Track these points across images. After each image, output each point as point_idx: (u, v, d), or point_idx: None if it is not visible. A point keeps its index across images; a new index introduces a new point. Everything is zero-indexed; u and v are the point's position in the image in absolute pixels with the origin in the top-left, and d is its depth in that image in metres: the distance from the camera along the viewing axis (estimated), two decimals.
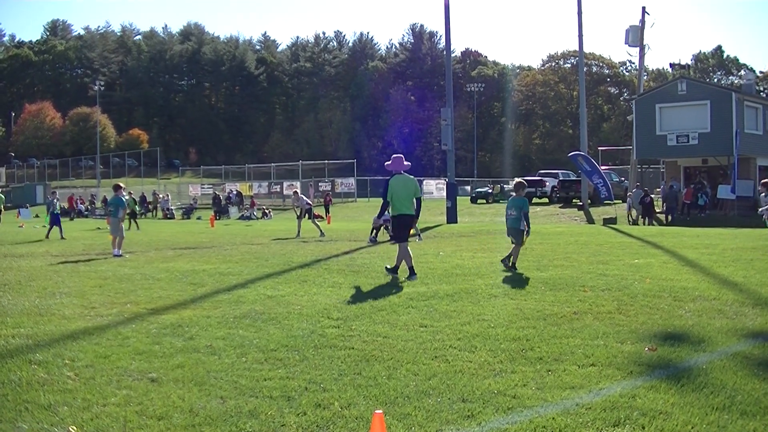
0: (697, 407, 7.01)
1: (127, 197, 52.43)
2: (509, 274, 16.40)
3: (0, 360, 8.91)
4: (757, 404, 7.09)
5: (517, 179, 19.17)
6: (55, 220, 29.20)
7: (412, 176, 17.18)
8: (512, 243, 17.40)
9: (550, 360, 8.77)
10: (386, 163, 17.12)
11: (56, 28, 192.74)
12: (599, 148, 75.56)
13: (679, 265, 17.93)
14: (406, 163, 17.10)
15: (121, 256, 22.42)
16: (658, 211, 50.08)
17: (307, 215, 32.69)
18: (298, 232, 31.34)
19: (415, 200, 16.67)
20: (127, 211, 50.17)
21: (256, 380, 7.97)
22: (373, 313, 11.83)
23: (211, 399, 7.36)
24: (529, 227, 17.28)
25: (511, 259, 17.21)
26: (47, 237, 30.11)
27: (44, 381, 7.99)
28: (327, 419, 6.75)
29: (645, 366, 8.51)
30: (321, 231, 30.98)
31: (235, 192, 76.71)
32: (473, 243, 24.95)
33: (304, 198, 32.56)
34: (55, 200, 31.98)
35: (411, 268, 16.13)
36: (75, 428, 6.54)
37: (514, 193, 18.07)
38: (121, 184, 25.68)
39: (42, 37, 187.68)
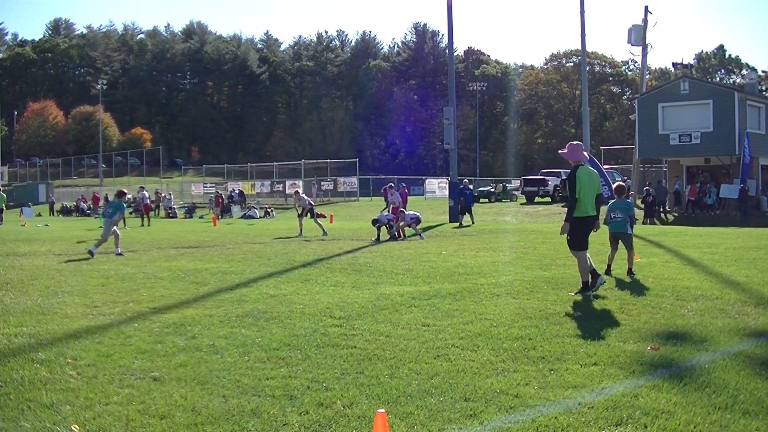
0: (699, 407, 7.01)
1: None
2: (509, 274, 16.39)
3: (2, 359, 8.91)
4: (760, 403, 7.10)
5: (617, 182, 18.65)
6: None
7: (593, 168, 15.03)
8: (612, 248, 16.67)
9: (553, 359, 8.77)
10: (561, 151, 14.46)
11: (59, 27, 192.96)
12: (602, 148, 75.62)
13: (681, 264, 17.95)
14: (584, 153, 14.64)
15: (121, 255, 22.49)
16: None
17: (309, 214, 32.61)
18: (300, 231, 31.29)
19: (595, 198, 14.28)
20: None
21: (259, 379, 7.97)
22: (375, 312, 11.83)
23: (214, 398, 7.36)
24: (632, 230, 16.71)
25: (627, 265, 16.28)
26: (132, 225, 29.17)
27: (47, 380, 7.99)
28: (329, 418, 6.75)
29: (647, 365, 8.51)
30: (323, 230, 30.96)
31: (237, 191, 76.70)
32: (476, 242, 24.96)
33: (306, 197, 32.38)
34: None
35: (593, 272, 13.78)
36: (77, 427, 6.54)
37: (616, 196, 16.88)
38: (125, 191, 25.86)
39: (44, 36, 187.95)
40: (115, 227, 23.97)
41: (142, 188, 57.41)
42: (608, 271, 16.00)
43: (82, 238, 30.72)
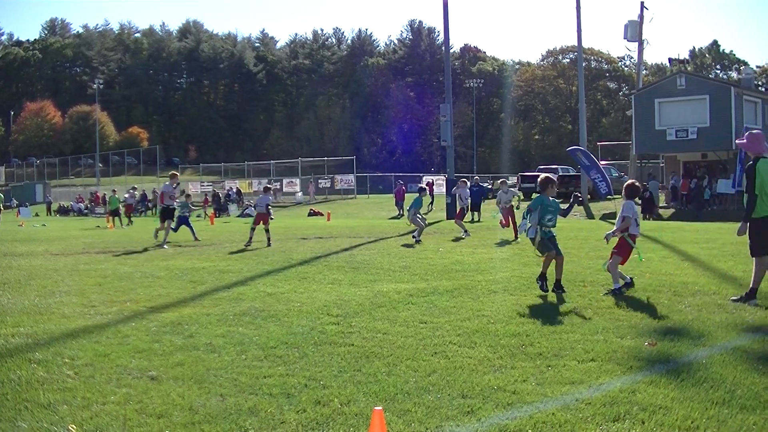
0: (697, 402, 7.02)
1: (110, 195, 52.57)
2: (507, 271, 16.40)
3: (0, 359, 8.91)
4: (757, 398, 7.10)
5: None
6: (183, 221, 28.02)
7: None
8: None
9: (550, 355, 8.77)
10: (739, 141, 12.82)
11: (55, 27, 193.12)
12: (598, 143, 75.49)
13: (678, 259, 17.95)
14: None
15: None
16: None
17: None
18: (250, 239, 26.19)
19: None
20: (109, 209, 50.59)
21: (256, 377, 7.98)
22: (372, 309, 11.83)
23: (211, 396, 7.36)
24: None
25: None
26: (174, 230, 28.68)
27: (44, 380, 8.00)
28: (327, 416, 6.76)
29: (645, 361, 8.52)
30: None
31: (235, 189, 76.72)
32: (473, 239, 24.94)
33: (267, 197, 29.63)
34: (189, 203, 30.58)
35: None
36: (74, 427, 6.54)
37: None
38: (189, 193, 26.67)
39: (41, 36, 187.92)
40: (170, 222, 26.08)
41: (134, 188, 57.69)
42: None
43: (81, 237, 30.70)
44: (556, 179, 14.53)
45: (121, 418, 6.75)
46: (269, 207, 26.12)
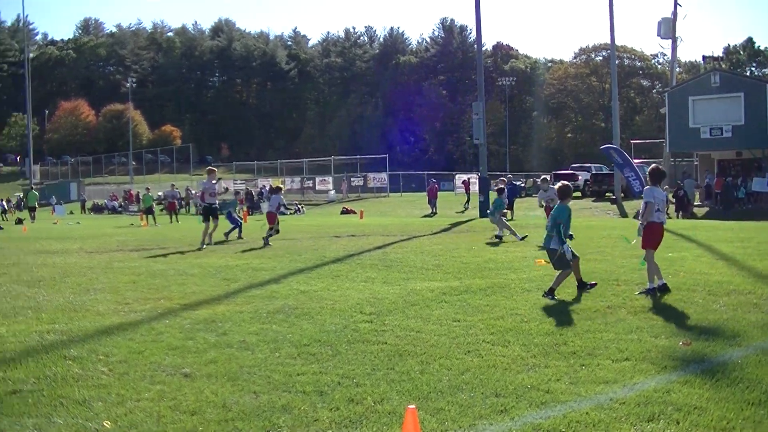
0: (732, 402, 6.97)
1: (143, 193, 52.79)
2: (540, 269, 16.33)
3: (35, 355, 8.97)
4: None
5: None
6: (233, 220, 27.61)
7: None
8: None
9: (584, 354, 8.73)
10: None
11: (88, 27, 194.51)
12: (632, 141, 75.22)
13: (713, 258, 17.81)
14: None
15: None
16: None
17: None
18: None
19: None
20: (142, 206, 50.69)
21: (289, 375, 7.99)
22: (405, 307, 11.82)
23: (244, 394, 7.38)
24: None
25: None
26: (239, 237, 28.07)
27: (79, 376, 8.05)
28: (360, 414, 6.76)
29: (679, 360, 8.47)
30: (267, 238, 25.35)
31: (268, 187, 76.88)
32: (506, 237, 24.86)
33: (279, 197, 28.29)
34: (237, 200, 30.13)
35: None
36: (109, 423, 6.58)
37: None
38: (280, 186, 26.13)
39: (74, 36, 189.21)
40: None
41: (173, 185, 57.79)
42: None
43: (115, 235, 30.85)
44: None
45: (155, 415, 6.79)
46: (280, 207, 25.96)
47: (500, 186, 28.28)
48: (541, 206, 26.64)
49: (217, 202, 26.33)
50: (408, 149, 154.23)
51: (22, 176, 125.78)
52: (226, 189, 38.57)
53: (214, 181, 26.14)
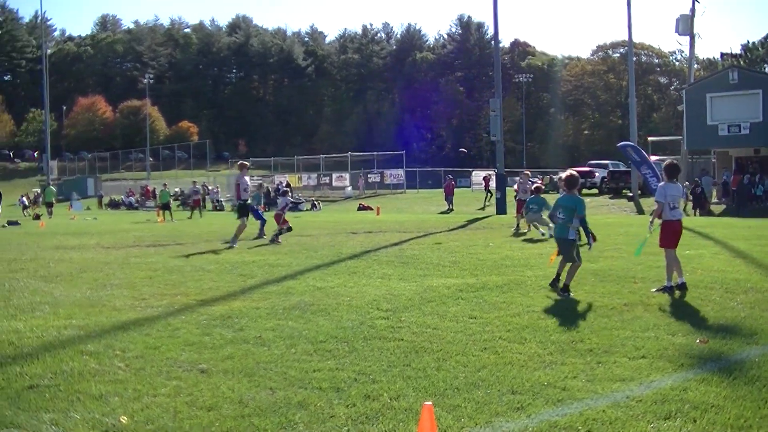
0: (749, 400, 6.95)
1: (160, 188, 52.94)
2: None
3: (52, 351, 9.00)
4: None
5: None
6: (257, 214, 26.88)
7: None
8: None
9: (600, 352, 8.72)
10: None
11: (106, 23, 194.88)
12: (649, 139, 74.84)
13: (730, 256, 17.77)
14: None
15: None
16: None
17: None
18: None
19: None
20: (159, 202, 50.73)
21: (306, 371, 8.00)
22: (422, 304, 11.82)
23: (261, 390, 7.39)
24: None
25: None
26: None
27: (96, 371, 8.07)
28: (376, 411, 6.76)
29: (696, 358, 8.44)
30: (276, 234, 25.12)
31: (284, 183, 76.99)
32: (522, 234, 24.83)
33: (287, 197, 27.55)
34: (261, 193, 29.67)
35: None
36: (126, 418, 6.59)
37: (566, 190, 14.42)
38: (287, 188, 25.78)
39: (92, 32, 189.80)
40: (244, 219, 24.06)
41: (194, 182, 58.07)
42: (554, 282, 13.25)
43: (132, 231, 30.95)
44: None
45: (172, 411, 6.80)
46: (287, 206, 25.89)
47: (537, 185, 27.60)
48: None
49: (250, 198, 25.65)
50: (425, 146, 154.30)
51: (39, 172, 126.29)
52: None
53: (246, 177, 25.11)
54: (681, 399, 6.95)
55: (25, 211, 63.65)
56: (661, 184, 13.17)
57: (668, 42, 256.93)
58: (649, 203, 47.84)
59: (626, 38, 58.18)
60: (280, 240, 23.80)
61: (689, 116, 55.00)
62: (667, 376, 7.72)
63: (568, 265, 12.88)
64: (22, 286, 14.53)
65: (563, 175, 14.26)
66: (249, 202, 25.27)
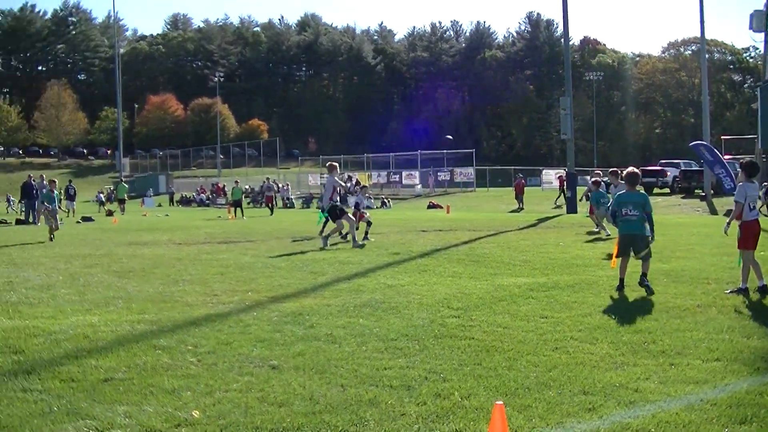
0: None
1: (231, 186, 53.36)
2: (628, 267, 16.15)
3: (126, 345, 9.12)
4: None
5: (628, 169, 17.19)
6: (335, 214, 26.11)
7: None
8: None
9: (673, 353, 8.62)
10: None
11: (177, 22, 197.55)
12: (722, 138, 73.88)
13: None
14: None
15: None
16: None
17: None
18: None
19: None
20: (231, 199, 51.16)
21: (376, 369, 8.02)
22: (493, 303, 11.78)
23: (332, 387, 7.41)
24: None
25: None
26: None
27: (168, 366, 8.16)
28: (447, 409, 6.74)
29: None
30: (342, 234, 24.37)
31: (354, 181, 77.14)
32: (596, 233, 24.64)
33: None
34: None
35: None
36: (198, 413, 6.65)
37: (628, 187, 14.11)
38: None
39: (163, 31, 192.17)
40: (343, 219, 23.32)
41: (268, 179, 58.51)
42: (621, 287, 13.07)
43: (204, 227, 31.22)
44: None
45: (243, 406, 6.84)
46: (361, 206, 25.72)
47: (596, 179, 26.91)
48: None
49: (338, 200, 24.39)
50: (495, 144, 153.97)
51: (112, 169, 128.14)
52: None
53: (336, 177, 24.01)
54: (757, 403, 6.85)
55: (102, 207, 64.55)
56: (740, 183, 12.94)
57: (742, 38, 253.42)
58: (721, 203, 47.23)
59: (698, 35, 57.61)
60: (368, 239, 23.23)
61: (764, 114, 54.03)
62: (742, 379, 7.61)
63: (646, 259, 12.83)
64: (96, 281, 14.75)
65: (625, 172, 14.11)
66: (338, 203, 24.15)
